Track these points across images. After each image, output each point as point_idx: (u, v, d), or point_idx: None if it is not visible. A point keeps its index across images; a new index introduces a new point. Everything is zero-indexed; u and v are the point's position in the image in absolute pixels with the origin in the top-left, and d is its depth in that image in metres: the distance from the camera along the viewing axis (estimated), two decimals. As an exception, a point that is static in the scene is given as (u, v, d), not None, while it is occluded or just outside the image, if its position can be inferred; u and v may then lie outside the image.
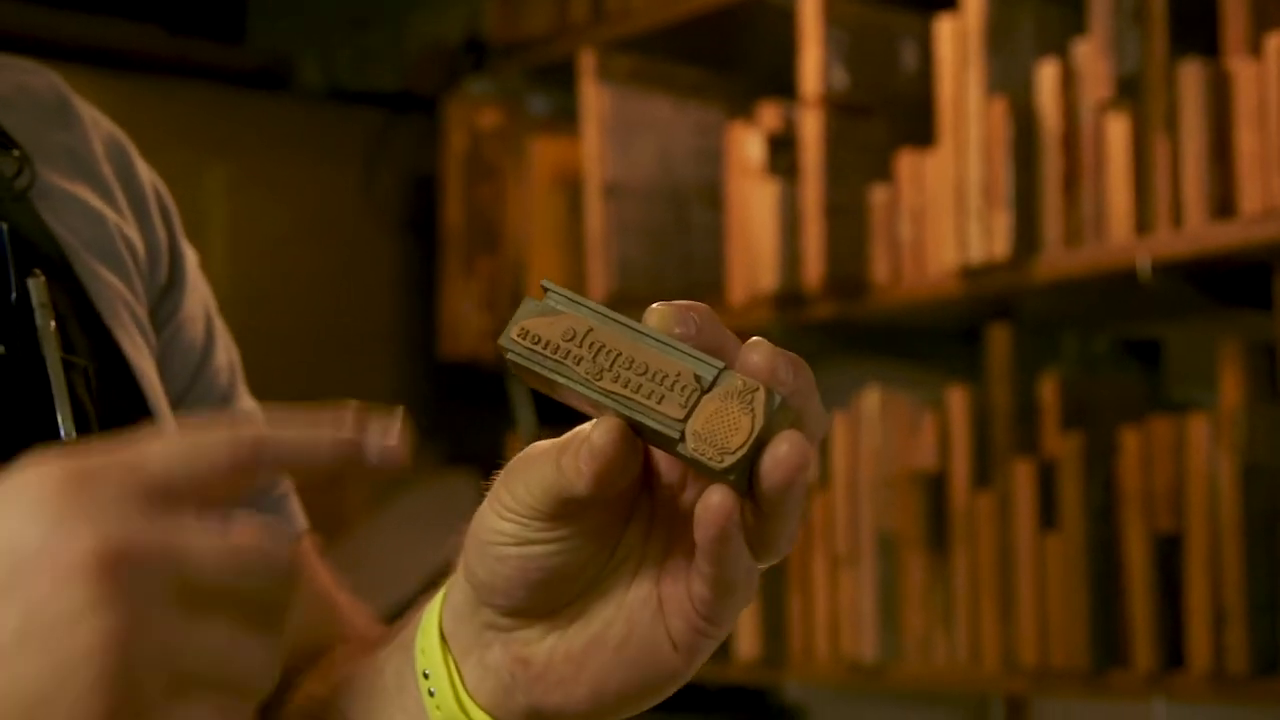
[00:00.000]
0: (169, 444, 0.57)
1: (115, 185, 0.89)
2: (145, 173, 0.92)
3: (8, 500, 0.55)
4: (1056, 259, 2.03)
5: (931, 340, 2.41)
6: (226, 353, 0.93)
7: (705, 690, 2.71)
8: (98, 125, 0.91)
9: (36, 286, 0.78)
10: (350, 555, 2.53)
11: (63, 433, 0.76)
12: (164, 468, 0.56)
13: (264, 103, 2.86)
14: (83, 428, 0.77)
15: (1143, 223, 1.97)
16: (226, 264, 2.70)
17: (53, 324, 0.77)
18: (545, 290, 0.66)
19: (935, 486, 2.18)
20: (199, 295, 0.93)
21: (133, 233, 0.88)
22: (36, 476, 0.55)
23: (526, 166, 2.69)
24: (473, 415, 2.84)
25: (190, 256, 0.93)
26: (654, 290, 2.51)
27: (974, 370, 2.21)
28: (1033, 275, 2.06)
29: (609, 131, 2.49)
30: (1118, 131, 1.98)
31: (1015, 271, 2.07)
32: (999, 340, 2.14)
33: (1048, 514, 2.06)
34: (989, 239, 2.08)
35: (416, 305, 2.88)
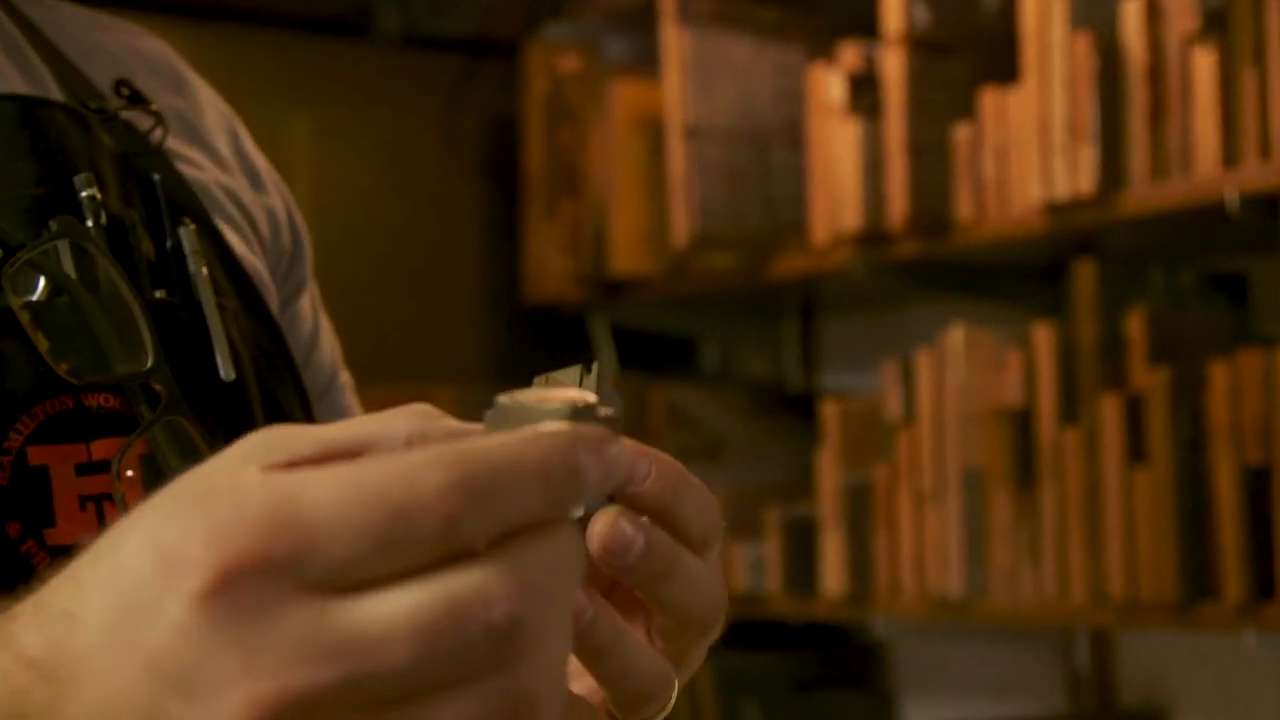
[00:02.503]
0: (356, 506, 0.44)
1: (230, 158, 0.91)
2: (259, 155, 0.93)
3: (154, 587, 0.45)
4: (1142, 193, 2.03)
5: (1013, 278, 2.41)
6: (329, 330, 0.95)
7: (789, 627, 2.73)
8: (214, 104, 0.93)
9: (188, 235, 0.80)
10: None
11: (222, 373, 0.78)
12: (347, 552, 0.44)
13: (344, 50, 2.88)
14: (238, 371, 0.79)
15: (1230, 155, 1.96)
16: (310, 212, 2.70)
17: (205, 270, 0.79)
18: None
19: (1021, 423, 2.19)
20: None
21: (250, 200, 0.90)
22: (185, 561, 0.45)
23: (606, 110, 2.70)
24: (556, 359, 2.85)
25: (306, 234, 0.95)
26: (736, 231, 2.52)
27: (1056, 307, 2.22)
28: (1118, 210, 2.06)
29: (690, 74, 2.50)
30: (1204, 64, 1.98)
31: (1101, 207, 2.07)
32: (1085, 276, 2.15)
33: (1135, 448, 2.07)
34: (1074, 174, 2.08)
35: (499, 250, 2.90)
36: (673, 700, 0.63)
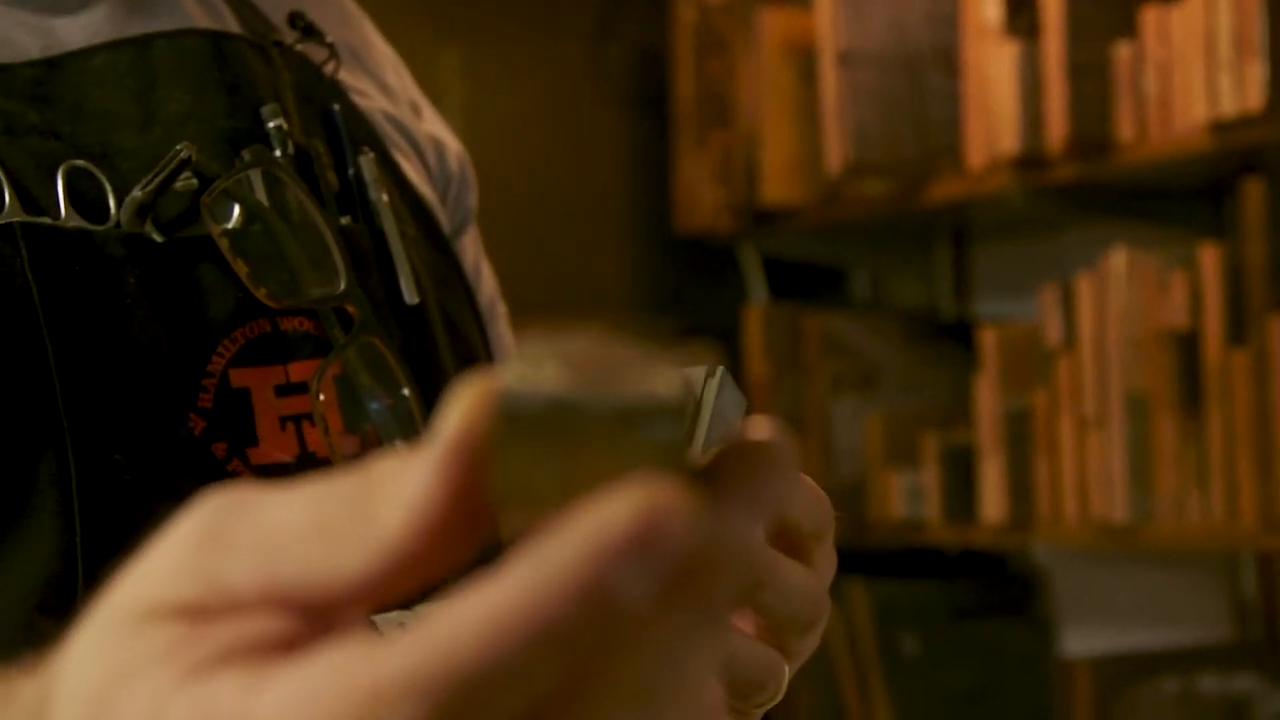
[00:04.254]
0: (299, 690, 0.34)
1: (397, 89, 0.90)
2: (424, 101, 0.93)
3: None
4: (1313, 109, 1.99)
5: (1174, 200, 2.37)
6: (487, 263, 0.96)
7: (945, 555, 2.72)
8: (378, 36, 0.93)
9: (368, 163, 0.81)
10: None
11: (406, 297, 0.79)
12: None
13: (492, -16, 2.88)
14: (420, 295, 0.80)
15: (1405, 68, 1.91)
16: (463, 145, 2.74)
17: (385, 197, 0.80)
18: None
19: (1187, 346, 2.16)
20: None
21: (416, 130, 0.90)
22: None
23: (756, 38, 2.68)
24: (709, 288, 2.87)
25: (471, 168, 0.94)
26: (890, 157, 2.50)
27: (1218, 229, 2.17)
28: (1287, 127, 2.01)
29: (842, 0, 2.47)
30: (1378, -26, 1.92)
31: (1269, 124, 2.02)
32: (1254, 194, 2.10)
33: (1306, 370, 2.03)
34: (1241, 91, 2.03)
35: (650, 180, 2.90)
36: (783, 689, 0.62)
